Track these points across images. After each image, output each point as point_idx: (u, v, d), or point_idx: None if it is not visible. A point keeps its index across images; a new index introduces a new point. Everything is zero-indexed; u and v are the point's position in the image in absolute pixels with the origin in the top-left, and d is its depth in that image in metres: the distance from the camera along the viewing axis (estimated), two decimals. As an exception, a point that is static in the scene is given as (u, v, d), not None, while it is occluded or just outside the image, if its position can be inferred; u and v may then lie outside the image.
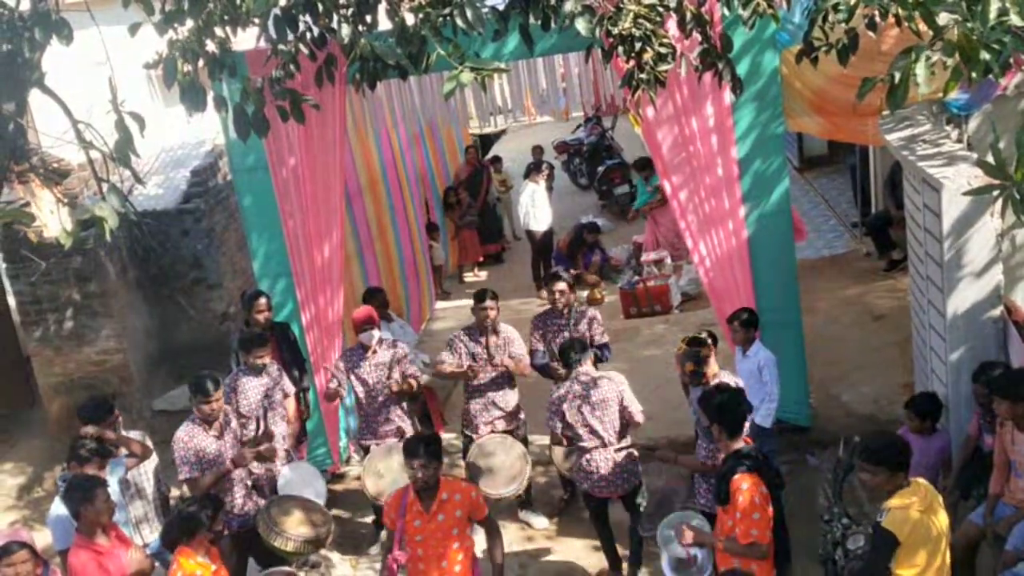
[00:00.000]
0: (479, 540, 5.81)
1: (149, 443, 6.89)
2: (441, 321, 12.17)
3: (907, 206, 7.06)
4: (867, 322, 9.64)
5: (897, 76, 3.91)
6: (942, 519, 4.90)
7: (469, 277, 14.30)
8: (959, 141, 6.54)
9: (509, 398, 7.59)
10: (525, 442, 7.66)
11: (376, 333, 7.40)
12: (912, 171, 6.52)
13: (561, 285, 7.51)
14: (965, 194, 5.07)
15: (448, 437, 9.01)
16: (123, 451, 6.62)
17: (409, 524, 5.41)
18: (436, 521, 5.39)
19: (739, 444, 5.25)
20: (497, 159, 15.98)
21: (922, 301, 6.75)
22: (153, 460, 6.90)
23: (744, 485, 4.97)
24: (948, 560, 4.96)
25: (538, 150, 14.95)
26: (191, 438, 6.38)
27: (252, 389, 7.14)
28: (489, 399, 7.53)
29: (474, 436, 7.50)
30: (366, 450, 7.54)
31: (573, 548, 7.51)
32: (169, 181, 10.99)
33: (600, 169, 16.06)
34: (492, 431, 7.47)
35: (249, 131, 5.08)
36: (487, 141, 18.86)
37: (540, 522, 7.81)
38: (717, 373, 6.39)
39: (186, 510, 5.43)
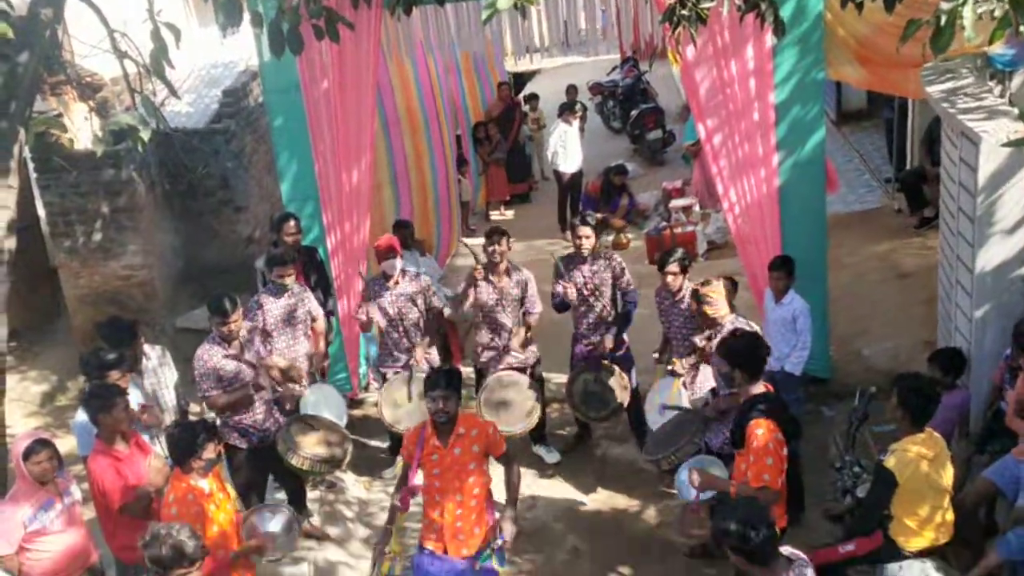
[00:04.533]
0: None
1: (168, 370, 6.91)
2: (464, 258, 12.13)
3: (943, 160, 6.96)
4: (893, 279, 9.55)
5: (943, 19, 3.83)
6: (948, 475, 4.93)
7: (495, 215, 14.27)
8: (1002, 97, 6.41)
9: (508, 325, 7.52)
10: (540, 380, 7.69)
11: (398, 263, 7.41)
12: (951, 124, 6.42)
13: (587, 231, 7.32)
14: (1003, 146, 4.99)
15: (467, 371, 9.10)
16: (145, 362, 6.71)
17: (427, 457, 5.45)
18: (453, 455, 5.42)
19: (758, 388, 5.22)
20: (534, 96, 15.81)
21: (951, 257, 6.68)
22: (173, 374, 6.99)
23: (759, 430, 4.96)
24: (950, 516, 5.00)
25: (572, 90, 14.77)
26: (211, 357, 6.42)
27: (276, 307, 7.20)
28: (500, 340, 7.54)
29: (486, 374, 7.53)
30: (385, 378, 7.60)
31: (584, 484, 7.59)
32: (201, 100, 11.01)
33: (634, 113, 15.85)
34: (506, 368, 7.49)
35: (284, 48, 5.07)
36: (520, 79, 18.68)
37: (552, 457, 7.88)
38: (725, 315, 6.32)
39: (173, 433, 5.32)
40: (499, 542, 5.48)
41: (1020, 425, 5.48)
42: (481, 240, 7.66)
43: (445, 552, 5.47)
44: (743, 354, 5.25)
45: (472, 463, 5.46)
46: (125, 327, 6.67)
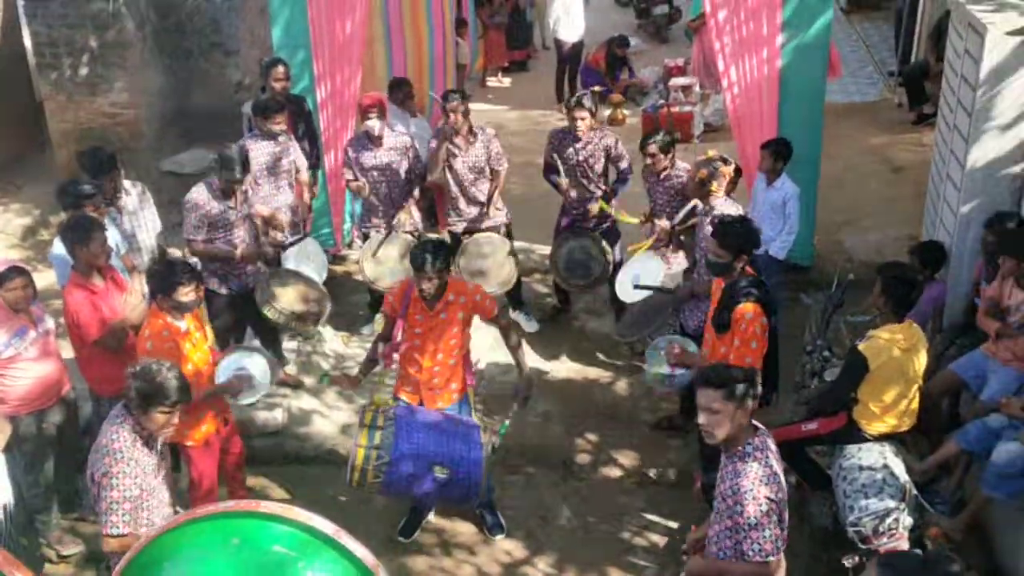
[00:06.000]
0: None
1: (149, 210, 6.83)
2: (458, 122, 11.99)
3: (948, 53, 6.84)
4: (885, 173, 9.51)
5: None
6: (921, 362, 4.99)
7: (492, 82, 14.03)
8: (1016, -9, 6.26)
9: (484, 193, 7.49)
10: (510, 236, 7.62)
11: (378, 122, 7.25)
12: (959, 14, 6.28)
13: (583, 113, 7.18)
14: (1009, 34, 4.89)
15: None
16: (125, 198, 6.63)
17: (411, 316, 5.43)
18: (438, 319, 5.41)
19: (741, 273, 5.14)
20: (536, -41, 15.35)
21: (944, 151, 6.63)
22: (154, 215, 6.91)
23: (748, 314, 4.95)
24: (915, 405, 5.08)
25: (579, -44, 14.34)
26: (202, 200, 6.33)
27: (261, 154, 7.10)
28: (474, 205, 7.46)
29: (459, 236, 7.48)
30: (367, 237, 7.57)
31: (559, 353, 7.67)
32: (194, -64, 10.61)
33: (641, -15, 15.49)
34: (472, 228, 7.42)
35: None
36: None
37: (531, 326, 7.93)
38: (720, 197, 6.17)
39: (153, 270, 5.33)
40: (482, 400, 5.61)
41: (989, 324, 5.54)
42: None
43: (420, 404, 5.55)
44: (741, 238, 5.12)
45: (455, 327, 5.47)
46: (105, 156, 6.57)
